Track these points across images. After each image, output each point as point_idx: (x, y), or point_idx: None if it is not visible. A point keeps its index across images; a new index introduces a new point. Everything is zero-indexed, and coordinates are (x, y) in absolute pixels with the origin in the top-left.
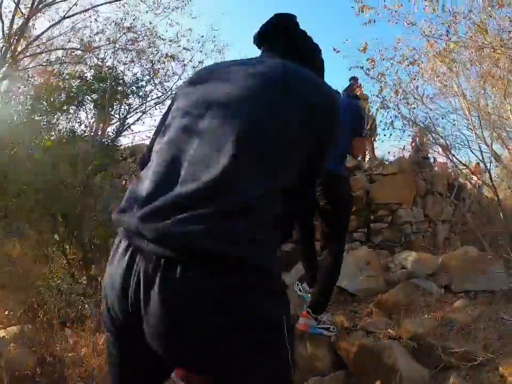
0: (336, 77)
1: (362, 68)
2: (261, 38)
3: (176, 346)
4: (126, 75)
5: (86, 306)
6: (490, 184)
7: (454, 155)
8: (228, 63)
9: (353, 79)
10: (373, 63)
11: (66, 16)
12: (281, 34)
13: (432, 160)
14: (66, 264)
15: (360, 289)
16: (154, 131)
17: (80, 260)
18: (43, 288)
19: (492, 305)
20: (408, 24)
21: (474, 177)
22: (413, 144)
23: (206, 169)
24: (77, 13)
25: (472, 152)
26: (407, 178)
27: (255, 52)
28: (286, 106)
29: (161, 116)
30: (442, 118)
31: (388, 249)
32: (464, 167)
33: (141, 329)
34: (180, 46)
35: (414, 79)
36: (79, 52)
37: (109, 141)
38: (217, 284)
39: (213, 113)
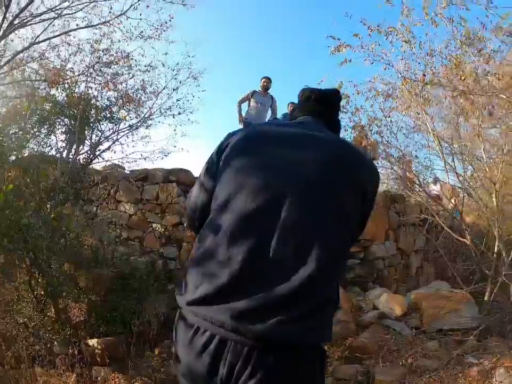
0: None
1: None
2: (316, 102)
3: None
4: (98, 100)
5: (55, 343)
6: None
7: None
8: (286, 133)
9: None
10: (347, 98)
11: (35, 42)
12: (333, 108)
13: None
14: (33, 299)
15: None
16: (200, 187)
17: (49, 293)
18: (9, 325)
19: (463, 347)
20: (385, 65)
21: (447, 203)
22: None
23: (292, 271)
24: (49, 38)
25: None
26: (380, 213)
27: (231, 80)
28: (350, 203)
29: (207, 162)
30: (416, 152)
31: (360, 285)
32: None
33: None
34: (155, 71)
35: (390, 113)
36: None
37: (80, 167)
38: (300, 364)
39: (291, 202)
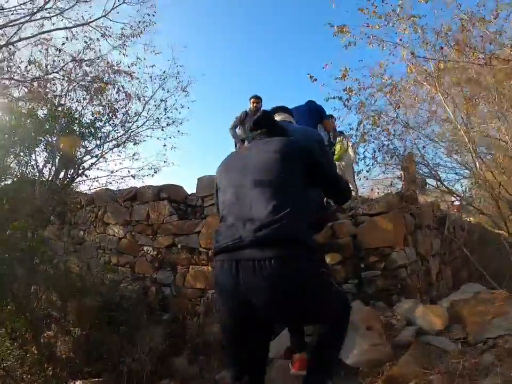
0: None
1: (340, 98)
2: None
3: (284, 303)
4: (82, 115)
5: None
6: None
7: (442, 183)
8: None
9: (331, 117)
10: (350, 93)
11: (8, 43)
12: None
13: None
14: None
15: (362, 361)
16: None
17: (28, 327)
18: None
19: None
20: (393, 47)
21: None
22: (404, 174)
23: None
24: (23, 39)
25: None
26: (397, 216)
27: (221, 89)
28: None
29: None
30: (424, 148)
31: (384, 299)
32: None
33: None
34: (140, 82)
35: (398, 106)
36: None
37: (63, 186)
38: (294, 259)
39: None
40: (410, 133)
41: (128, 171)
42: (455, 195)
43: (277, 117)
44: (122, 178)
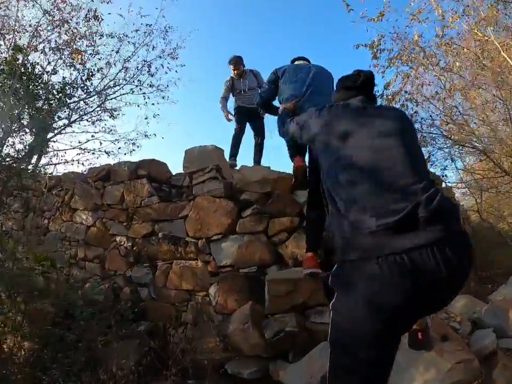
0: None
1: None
2: (363, 86)
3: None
4: (49, 75)
5: None
6: None
7: None
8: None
9: None
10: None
11: None
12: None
13: None
14: None
15: None
16: None
17: None
18: None
19: None
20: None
21: None
22: None
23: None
24: None
25: None
26: None
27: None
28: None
29: None
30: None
31: None
32: None
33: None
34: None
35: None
36: None
37: (17, 160)
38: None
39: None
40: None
41: (100, 143)
42: None
43: (297, 62)
44: (93, 154)
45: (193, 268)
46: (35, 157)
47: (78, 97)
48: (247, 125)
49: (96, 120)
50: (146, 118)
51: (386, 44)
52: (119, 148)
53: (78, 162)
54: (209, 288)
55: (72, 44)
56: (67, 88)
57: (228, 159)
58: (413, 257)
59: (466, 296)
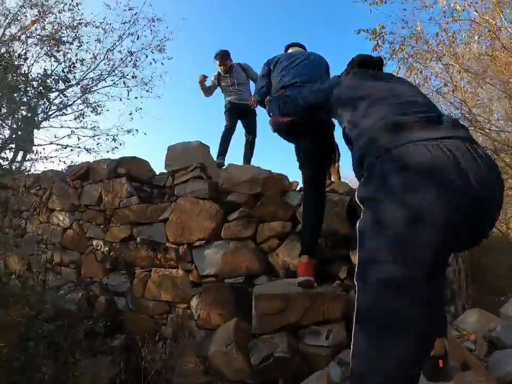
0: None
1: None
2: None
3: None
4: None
5: None
6: None
7: None
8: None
9: None
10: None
11: None
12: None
13: None
14: None
15: None
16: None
17: None
18: None
19: None
20: None
21: None
22: None
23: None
24: None
25: None
26: None
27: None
28: None
29: None
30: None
31: None
32: None
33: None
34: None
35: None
36: None
37: None
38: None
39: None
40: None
41: (78, 138)
42: None
43: (291, 49)
44: (71, 150)
45: (173, 277)
46: (11, 153)
47: (57, 89)
48: (239, 122)
49: (79, 116)
50: (130, 114)
51: (391, 30)
52: (98, 144)
53: (60, 160)
54: (191, 300)
55: (54, 34)
56: (48, 80)
57: (215, 158)
58: (449, 145)
59: (477, 310)
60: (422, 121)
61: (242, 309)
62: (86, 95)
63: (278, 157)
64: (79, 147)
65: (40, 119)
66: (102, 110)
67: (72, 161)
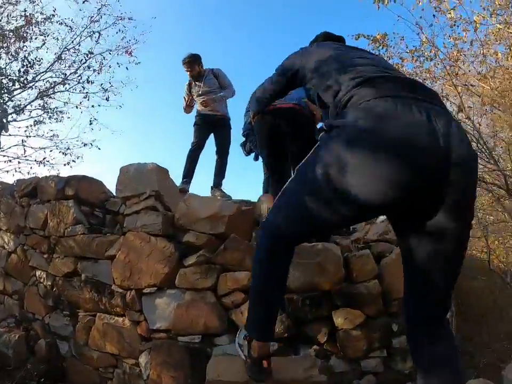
0: None
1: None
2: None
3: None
4: None
5: None
6: None
7: None
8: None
9: None
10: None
11: None
12: None
13: None
14: None
15: None
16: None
17: None
18: None
19: None
20: None
21: None
22: None
23: None
24: None
25: None
26: None
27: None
28: None
29: None
30: None
31: None
32: None
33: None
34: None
35: None
36: None
37: None
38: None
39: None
40: None
41: (24, 150)
42: None
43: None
44: (19, 162)
45: (119, 327)
46: None
47: (9, 90)
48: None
49: (37, 122)
50: (91, 124)
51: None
52: (51, 157)
53: (16, 171)
54: (140, 356)
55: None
56: (4, 81)
57: (179, 182)
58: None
59: (481, 381)
60: (398, 81)
61: (199, 374)
62: (45, 98)
63: (257, 180)
64: (27, 159)
65: None
66: (62, 117)
67: (34, 174)
